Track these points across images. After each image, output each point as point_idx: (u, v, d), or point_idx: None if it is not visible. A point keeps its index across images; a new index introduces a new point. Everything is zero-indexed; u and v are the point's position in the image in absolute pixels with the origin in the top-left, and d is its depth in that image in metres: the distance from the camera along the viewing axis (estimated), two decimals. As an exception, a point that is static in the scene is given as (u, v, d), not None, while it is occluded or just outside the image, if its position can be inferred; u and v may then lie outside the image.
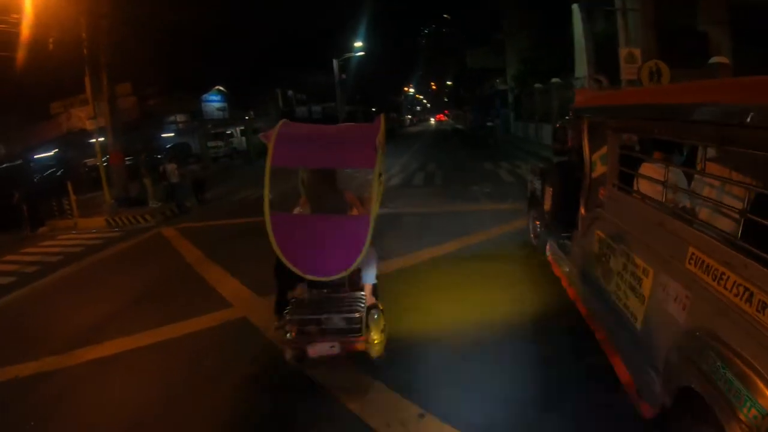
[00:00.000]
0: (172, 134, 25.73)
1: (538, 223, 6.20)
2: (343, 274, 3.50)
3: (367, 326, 3.57)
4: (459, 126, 63.89)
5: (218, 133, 29.02)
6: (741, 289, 1.97)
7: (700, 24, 14.08)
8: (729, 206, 2.24)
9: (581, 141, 4.34)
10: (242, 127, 30.12)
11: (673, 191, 2.91)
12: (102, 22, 12.94)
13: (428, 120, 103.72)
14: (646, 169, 3.25)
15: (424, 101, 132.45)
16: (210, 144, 26.62)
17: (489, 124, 39.04)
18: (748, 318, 1.90)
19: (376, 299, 3.95)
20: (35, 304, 6.78)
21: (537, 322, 4.44)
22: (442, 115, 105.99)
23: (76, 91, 15.33)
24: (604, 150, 3.89)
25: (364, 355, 3.61)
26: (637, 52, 11.64)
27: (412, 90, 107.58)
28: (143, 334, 5.01)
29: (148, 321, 5.33)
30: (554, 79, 18.78)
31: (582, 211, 4.22)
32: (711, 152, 2.64)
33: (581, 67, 14.79)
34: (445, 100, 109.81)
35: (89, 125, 12.60)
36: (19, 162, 17.95)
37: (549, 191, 5.18)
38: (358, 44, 34.80)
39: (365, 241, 3.37)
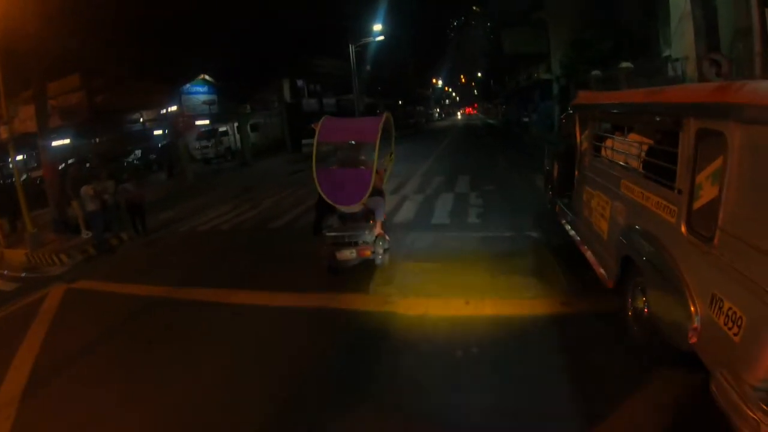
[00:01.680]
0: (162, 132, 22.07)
1: (551, 194, 7.49)
2: (359, 205, 6.16)
3: (375, 244, 6.11)
4: (490, 120, 59.59)
5: (209, 130, 24.68)
6: (642, 194, 3.82)
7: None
8: (637, 154, 4.18)
9: (575, 127, 6.17)
10: (236, 123, 25.69)
11: (617, 152, 4.72)
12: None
13: (455, 114, 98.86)
14: (608, 141, 5.02)
15: (453, 94, 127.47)
16: (195, 144, 22.70)
17: (525, 119, 34.65)
18: (646, 210, 3.72)
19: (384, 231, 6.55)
20: None
21: None
22: (470, 108, 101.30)
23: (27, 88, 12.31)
24: (587, 132, 5.74)
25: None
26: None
27: (440, 83, 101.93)
28: None
29: None
30: (624, 64, 14.30)
31: (576, 173, 6.06)
32: (632, 127, 4.60)
33: (680, 43, 10.36)
34: (475, 93, 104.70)
35: (2, 132, 9.13)
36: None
37: (556, 165, 7.11)
38: (377, 27, 30.40)
39: (370, 184, 6.01)
